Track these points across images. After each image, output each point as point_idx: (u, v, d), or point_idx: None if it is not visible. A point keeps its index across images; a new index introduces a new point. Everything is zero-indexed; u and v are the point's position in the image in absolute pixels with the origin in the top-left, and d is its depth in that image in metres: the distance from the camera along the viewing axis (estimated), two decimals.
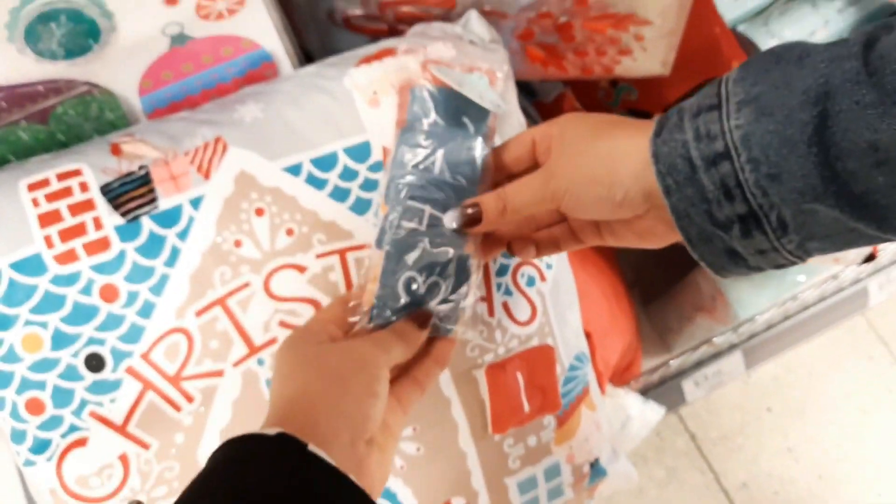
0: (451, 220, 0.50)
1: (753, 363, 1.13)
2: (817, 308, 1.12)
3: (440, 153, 0.51)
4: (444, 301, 0.50)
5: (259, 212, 0.53)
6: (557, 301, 0.62)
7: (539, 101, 0.80)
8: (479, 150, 0.52)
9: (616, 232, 0.49)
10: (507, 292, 0.59)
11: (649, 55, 0.64)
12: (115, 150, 0.53)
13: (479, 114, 0.53)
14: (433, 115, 0.52)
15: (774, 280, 0.84)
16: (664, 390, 1.09)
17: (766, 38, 0.85)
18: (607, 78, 0.69)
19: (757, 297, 0.84)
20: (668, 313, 1.02)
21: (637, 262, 1.08)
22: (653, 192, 0.42)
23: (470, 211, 0.49)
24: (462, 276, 0.51)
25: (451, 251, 0.50)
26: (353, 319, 0.49)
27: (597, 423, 0.65)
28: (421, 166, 0.51)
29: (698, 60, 0.68)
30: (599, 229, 0.51)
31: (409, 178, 0.50)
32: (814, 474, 1.26)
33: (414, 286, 0.49)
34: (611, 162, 0.44)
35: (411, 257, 0.49)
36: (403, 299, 0.49)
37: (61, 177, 0.51)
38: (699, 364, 1.10)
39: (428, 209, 0.50)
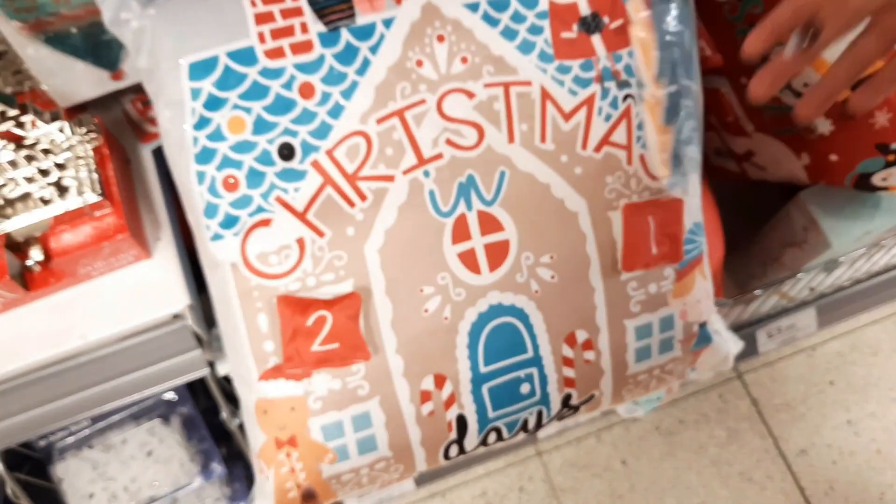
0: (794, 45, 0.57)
1: (826, 323, 1.17)
2: (891, 275, 1.16)
3: None
4: None
5: (440, 38, 0.60)
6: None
7: None
8: None
9: None
10: (644, 146, 0.64)
11: None
12: None
13: None
14: None
15: (867, 210, 0.89)
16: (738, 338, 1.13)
17: None
18: None
19: (850, 226, 0.89)
20: (750, 259, 1.07)
21: None
22: None
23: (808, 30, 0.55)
24: None
25: None
26: None
27: (707, 292, 0.70)
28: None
29: None
30: None
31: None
32: (872, 449, 1.28)
33: None
34: None
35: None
36: None
37: None
38: (773, 316, 1.14)
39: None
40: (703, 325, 0.70)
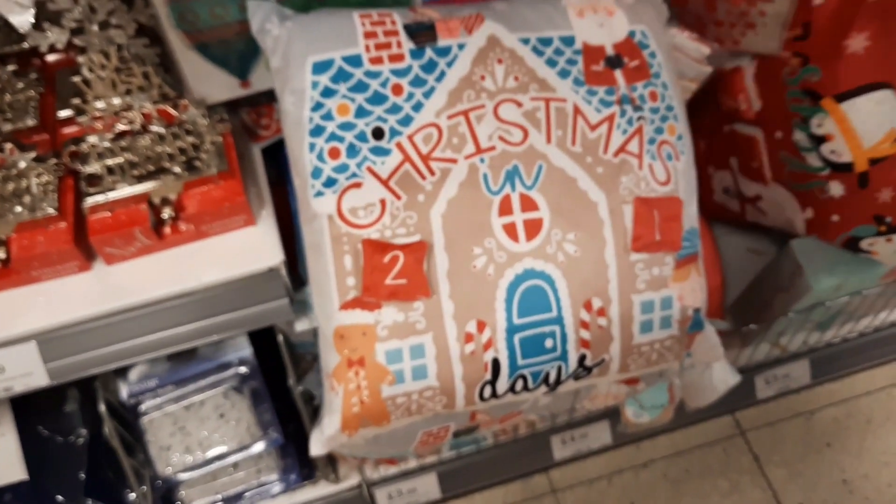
0: None
1: (819, 375, 1.30)
2: (878, 336, 1.30)
3: None
4: None
5: (499, 61, 0.79)
6: (685, 180, 0.85)
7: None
8: None
9: None
10: (653, 157, 0.82)
11: (768, 31, 0.90)
12: (413, 10, 0.80)
13: None
14: None
15: (844, 267, 1.04)
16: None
17: None
18: (736, 51, 0.94)
19: (829, 275, 1.04)
20: (748, 306, 1.22)
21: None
22: None
23: None
24: None
25: None
26: None
27: (700, 286, 0.86)
28: None
29: (881, 64, 0.89)
30: None
31: None
32: None
33: None
34: None
35: None
36: None
37: (379, 14, 0.79)
38: (771, 364, 1.28)
39: None
40: (697, 311, 0.85)
